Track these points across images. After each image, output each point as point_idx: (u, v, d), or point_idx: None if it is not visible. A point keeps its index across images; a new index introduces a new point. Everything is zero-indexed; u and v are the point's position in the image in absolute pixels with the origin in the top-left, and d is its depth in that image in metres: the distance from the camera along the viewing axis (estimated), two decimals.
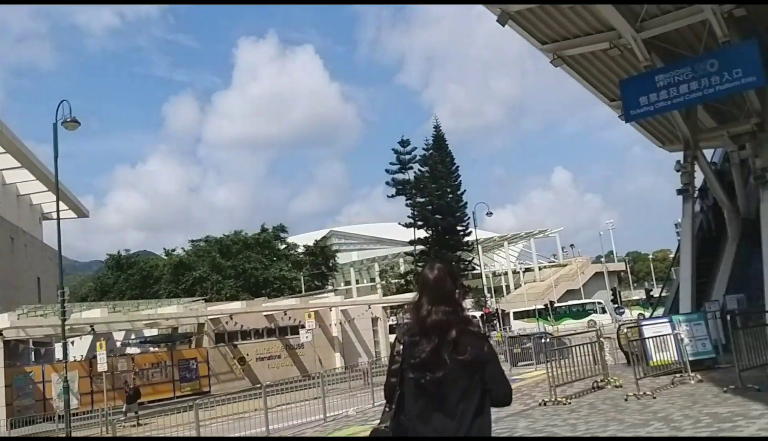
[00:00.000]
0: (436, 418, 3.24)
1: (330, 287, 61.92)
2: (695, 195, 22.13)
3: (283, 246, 61.91)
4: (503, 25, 19.81)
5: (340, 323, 37.67)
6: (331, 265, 64.72)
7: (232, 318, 33.70)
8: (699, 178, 23.47)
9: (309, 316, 31.21)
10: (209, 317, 33.69)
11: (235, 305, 37.04)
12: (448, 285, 3.42)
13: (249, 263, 55.32)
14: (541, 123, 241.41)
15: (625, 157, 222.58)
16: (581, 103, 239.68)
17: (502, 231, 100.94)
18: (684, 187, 20.81)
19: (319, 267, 62.08)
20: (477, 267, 66.71)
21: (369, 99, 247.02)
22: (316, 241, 65.37)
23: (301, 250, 62.90)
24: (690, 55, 19.56)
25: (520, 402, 13.93)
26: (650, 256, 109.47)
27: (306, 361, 34.54)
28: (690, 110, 20.98)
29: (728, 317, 15.56)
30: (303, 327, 32.21)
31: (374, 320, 40.21)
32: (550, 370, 13.57)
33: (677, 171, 21.16)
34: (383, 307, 42.49)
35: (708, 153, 24.94)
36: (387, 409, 3.44)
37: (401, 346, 3.42)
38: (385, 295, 54.74)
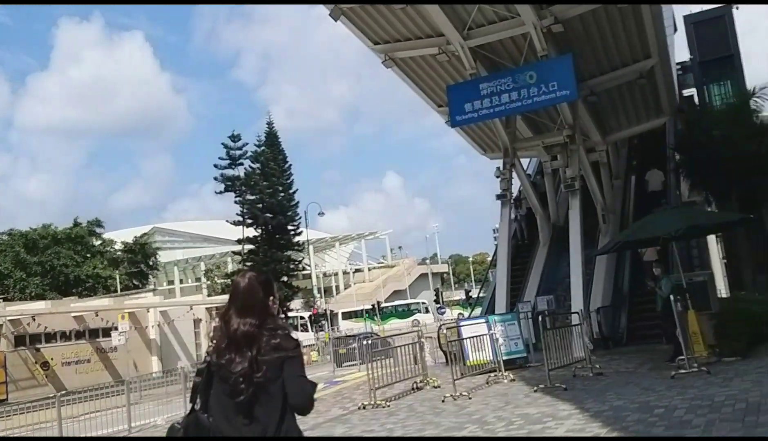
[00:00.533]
0: (239, 420, 3.23)
1: (151, 287, 58.46)
2: (512, 203, 23.14)
3: (99, 242, 57.56)
4: (336, 20, 19.51)
5: (159, 325, 35.73)
6: (151, 263, 61.09)
7: (34, 319, 31.09)
8: (515, 188, 24.68)
9: (122, 317, 29.22)
10: (8, 318, 30.78)
11: (39, 305, 34.05)
12: (258, 295, 3.37)
13: (58, 260, 50.83)
14: (375, 128, 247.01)
15: (450, 165, 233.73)
16: (413, 111, 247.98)
17: (334, 232, 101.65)
18: (503, 193, 21.62)
19: (138, 265, 58.37)
20: (307, 267, 66.24)
21: (202, 92, 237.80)
22: (135, 237, 61.30)
23: (118, 246, 58.81)
24: (512, 66, 20.40)
25: (339, 406, 13.60)
26: (470, 259, 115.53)
27: (119, 366, 32.32)
28: (510, 119, 21.87)
29: (539, 318, 16.25)
30: (116, 329, 30.21)
31: (197, 322, 38.54)
32: (370, 372, 13.35)
33: (497, 177, 21.95)
34: (207, 308, 40.82)
35: (524, 164, 26.35)
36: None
37: (212, 348, 3.39)
38: (210, 295, 52.66)
